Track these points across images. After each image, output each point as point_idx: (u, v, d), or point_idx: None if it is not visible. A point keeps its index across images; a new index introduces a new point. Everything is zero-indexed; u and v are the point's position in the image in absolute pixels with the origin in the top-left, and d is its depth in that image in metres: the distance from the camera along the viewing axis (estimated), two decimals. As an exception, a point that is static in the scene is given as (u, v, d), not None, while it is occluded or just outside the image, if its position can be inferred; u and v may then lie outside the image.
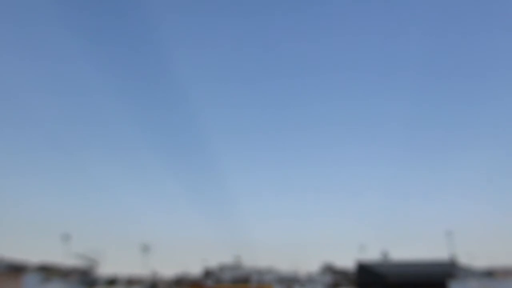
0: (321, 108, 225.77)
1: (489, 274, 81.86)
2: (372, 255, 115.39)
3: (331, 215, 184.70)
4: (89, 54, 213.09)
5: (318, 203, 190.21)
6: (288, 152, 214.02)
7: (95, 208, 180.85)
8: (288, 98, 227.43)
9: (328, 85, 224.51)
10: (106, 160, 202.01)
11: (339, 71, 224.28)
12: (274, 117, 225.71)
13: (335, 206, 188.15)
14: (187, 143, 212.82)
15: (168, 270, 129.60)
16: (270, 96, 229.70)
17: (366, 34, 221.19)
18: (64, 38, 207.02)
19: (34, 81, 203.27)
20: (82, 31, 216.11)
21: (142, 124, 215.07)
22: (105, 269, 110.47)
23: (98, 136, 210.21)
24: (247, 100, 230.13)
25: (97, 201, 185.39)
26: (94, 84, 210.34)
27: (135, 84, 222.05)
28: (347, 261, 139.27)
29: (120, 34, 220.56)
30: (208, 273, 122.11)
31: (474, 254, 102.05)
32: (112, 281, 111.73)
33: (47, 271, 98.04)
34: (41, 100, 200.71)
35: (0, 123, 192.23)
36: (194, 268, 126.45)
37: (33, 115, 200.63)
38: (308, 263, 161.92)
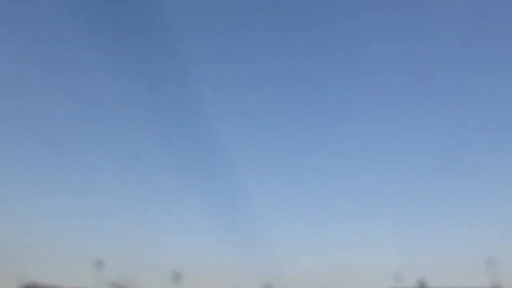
0: (348, 136, 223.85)
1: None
2: (408, 283, 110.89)
3: (365, 242, 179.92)
4: (118, 84, 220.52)
5: (352, 230, 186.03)
6: (319, 180, 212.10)
7: (128, 235, 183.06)
8: (315, 127, 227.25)
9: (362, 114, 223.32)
10: (135, 186, 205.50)
11: (367, 98, 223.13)
12: (305, 145, 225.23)
13: (370, 234, 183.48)
14: (217, 171, 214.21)
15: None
16: (299, 124, 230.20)
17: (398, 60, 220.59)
18: (86, 55, 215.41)
19: (59, 104, 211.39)
20: (109, 55, 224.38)
21: (170, 150, 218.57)
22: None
23: (129, 163, 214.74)
24: (276, 129, 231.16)
25: (130, 227, 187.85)
26: (123, 111, 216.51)
27: (164, 112, 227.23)
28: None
29: (148, 53, 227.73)
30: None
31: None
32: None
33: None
34: (66, 125, 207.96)
35: (30, 147, 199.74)
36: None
37: (58, 140, 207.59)
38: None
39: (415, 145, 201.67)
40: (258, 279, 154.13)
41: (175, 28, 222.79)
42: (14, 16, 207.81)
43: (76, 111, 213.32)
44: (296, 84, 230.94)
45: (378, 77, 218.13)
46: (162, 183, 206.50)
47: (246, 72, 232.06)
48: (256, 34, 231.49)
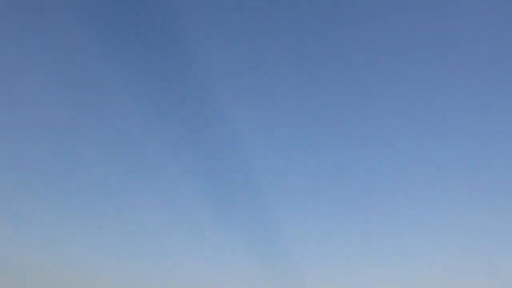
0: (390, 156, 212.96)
1: None
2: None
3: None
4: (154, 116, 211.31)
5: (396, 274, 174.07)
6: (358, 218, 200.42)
7: (160, 272, 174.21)
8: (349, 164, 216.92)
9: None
10: (169, 225, 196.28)
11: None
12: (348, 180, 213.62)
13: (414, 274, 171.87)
14: (251, 212, 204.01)
15: None
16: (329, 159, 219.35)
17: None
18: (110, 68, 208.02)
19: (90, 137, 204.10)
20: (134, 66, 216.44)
21: (190, 162, 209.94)
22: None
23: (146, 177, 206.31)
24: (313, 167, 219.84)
25: (162, 266, 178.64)
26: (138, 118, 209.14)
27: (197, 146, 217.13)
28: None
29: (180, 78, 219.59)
30: None
31: None
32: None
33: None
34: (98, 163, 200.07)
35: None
36: None
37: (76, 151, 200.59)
38: None
39: (449, 162, 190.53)
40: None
41: (192, 28, 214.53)
42: (16, 16, 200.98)
43: (83, 117, 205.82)
44: (323, 89, 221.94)
45: (410, 80, 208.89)
46: (194, 225, 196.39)
47: (272, 76, 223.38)
48: (275, 36, 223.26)
